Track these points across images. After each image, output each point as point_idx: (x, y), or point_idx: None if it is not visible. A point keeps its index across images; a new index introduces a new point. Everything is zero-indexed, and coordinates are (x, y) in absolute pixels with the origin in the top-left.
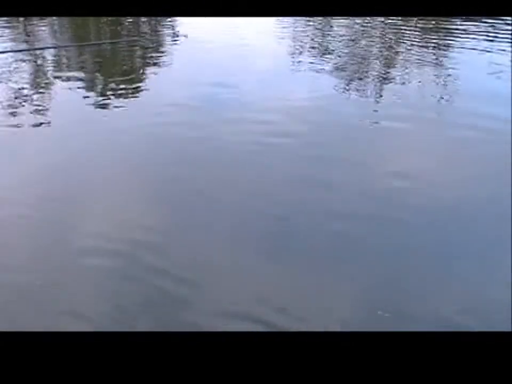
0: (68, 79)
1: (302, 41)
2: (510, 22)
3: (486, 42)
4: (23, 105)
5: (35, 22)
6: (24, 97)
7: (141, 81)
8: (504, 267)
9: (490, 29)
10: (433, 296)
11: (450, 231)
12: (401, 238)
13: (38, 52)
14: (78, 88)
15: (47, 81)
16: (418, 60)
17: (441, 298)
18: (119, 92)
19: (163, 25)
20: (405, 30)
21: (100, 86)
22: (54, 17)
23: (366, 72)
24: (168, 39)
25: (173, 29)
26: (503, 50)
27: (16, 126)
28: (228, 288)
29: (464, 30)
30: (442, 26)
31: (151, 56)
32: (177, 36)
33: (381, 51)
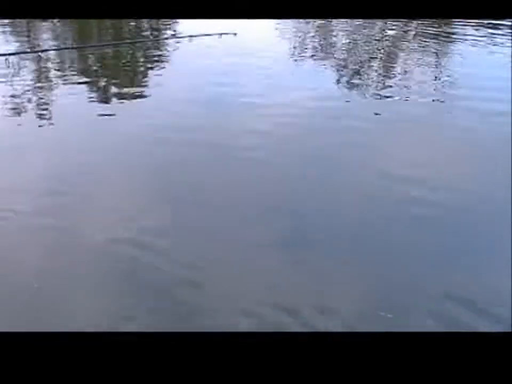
0: (71, 80)
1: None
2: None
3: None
4: (27, 106)
5: (38, 23)
6: (28, 98)
7: (143, 84)
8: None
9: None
10: None
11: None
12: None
13: (40, 53)
14: (80, 84)
15: (50, 82)
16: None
17: None
18: (123, 92)
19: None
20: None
21: (107, 87)
22: (56, 19)
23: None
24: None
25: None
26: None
27: (20, 125)
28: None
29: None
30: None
31: (155, 59)
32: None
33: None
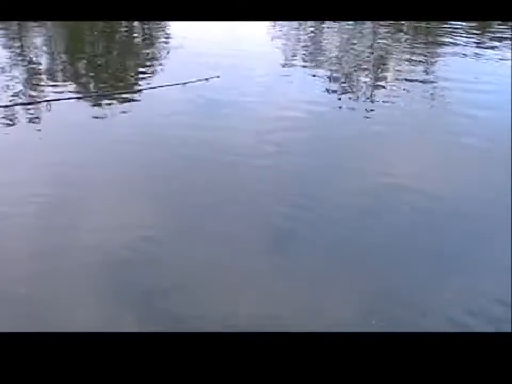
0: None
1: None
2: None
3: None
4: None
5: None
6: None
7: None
8: None
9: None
10: None
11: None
12: None
13: (31, 56)
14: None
15: (40, 88)
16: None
17: None
18: (116, 95)
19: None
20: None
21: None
22: (49, 25)
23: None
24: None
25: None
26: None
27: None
28: None
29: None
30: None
31: (146, 63)
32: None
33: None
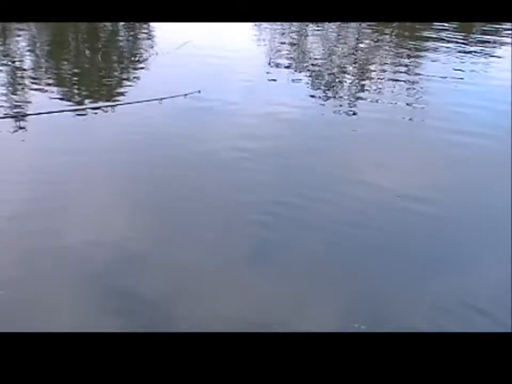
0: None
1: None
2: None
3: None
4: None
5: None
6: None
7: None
8: None
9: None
10: None
11: None
12: None
13: (16, 59)
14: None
15: (23, 89)
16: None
17: None
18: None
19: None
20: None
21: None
22: (33, 27)
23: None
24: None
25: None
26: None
27: None
28: None
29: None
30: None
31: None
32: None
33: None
